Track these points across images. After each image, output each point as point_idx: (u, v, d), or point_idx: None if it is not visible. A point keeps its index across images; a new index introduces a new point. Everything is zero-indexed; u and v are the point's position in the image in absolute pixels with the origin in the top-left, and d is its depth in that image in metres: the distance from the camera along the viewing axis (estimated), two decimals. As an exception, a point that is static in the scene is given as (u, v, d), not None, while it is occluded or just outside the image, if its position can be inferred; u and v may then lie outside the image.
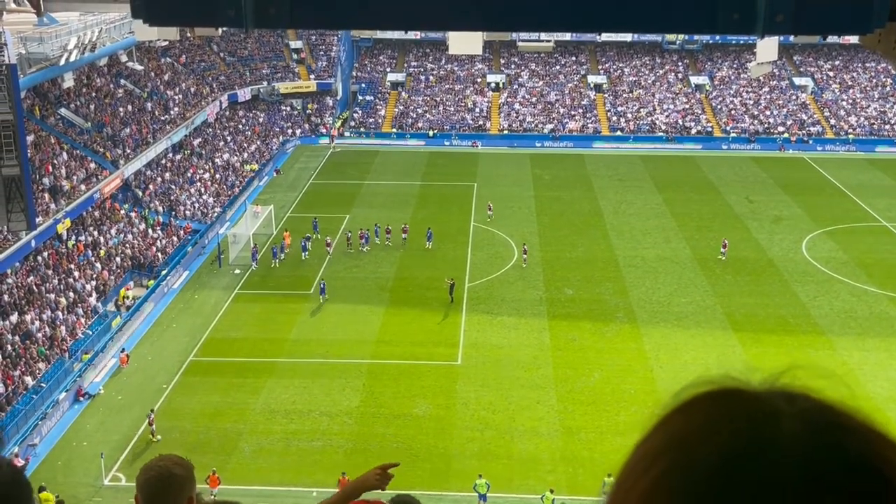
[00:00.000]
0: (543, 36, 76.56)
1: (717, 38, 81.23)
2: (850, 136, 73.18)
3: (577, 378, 35.99)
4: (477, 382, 35.68)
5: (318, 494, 28.70)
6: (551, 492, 27.69)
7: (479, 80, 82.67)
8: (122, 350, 38.48)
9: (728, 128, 75.02)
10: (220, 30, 63.13)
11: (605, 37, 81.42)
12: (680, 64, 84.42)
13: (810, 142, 72.89)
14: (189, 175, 59.46)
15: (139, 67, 63.58)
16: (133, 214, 51.27)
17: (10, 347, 36.18)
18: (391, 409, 33.82)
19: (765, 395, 0.88)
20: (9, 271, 39.70)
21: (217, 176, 61.39)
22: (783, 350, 37.91)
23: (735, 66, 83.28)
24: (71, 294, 41.73)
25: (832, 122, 75.40)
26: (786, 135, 73.71)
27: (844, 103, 77.68)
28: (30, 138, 45.25)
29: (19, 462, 30.89)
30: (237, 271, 46.97)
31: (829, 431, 0.84)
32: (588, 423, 32.83)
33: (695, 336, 39.43)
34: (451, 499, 29.05)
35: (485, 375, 36.17)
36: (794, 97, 78.80)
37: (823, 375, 0.91)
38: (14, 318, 37.84)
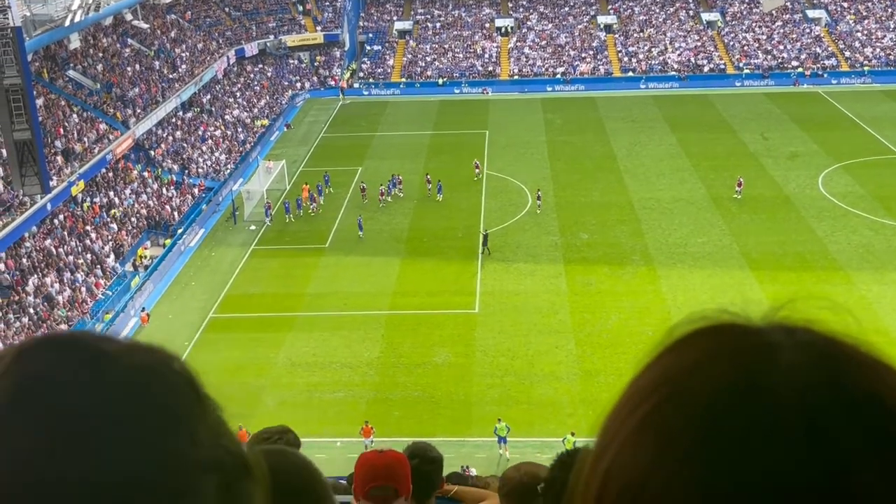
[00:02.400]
0: (551, -23, 75.34)
1: (729, -28, 79.72)
2: (866, 68, 71.99)
3: (595, 322, 36.09)
4: (495, 330, 35.85)
5: (342, 444, 29.12)
6: (572, 434, 27.87)
7: (487, 25, 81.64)
8: (143, 309, 38.85)
9: (741, 64, 73.93)
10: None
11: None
12: (691, 1, 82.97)
13: (825, 75, 71.79)
14: (200, 133, 59.35)
15: (144, 26, 63.13)
16: (146, 174, 51.34)
17: (32, 311, 36.58)
18: (411, 359, 34.09)
19: (763, 328, 0.85)
20: (26, 235, 39.97)
21: (228, 133, 61.25)
22: (801, 287, 37.79)
23: (747, 0, 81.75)
24: (89, 256, 42.02)
25: (847, 54, 74.14)
26: (800, 69, 72.59)
27: (859, 35, 76.25)
28: (39, 102, 45.20)
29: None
30: (252, 227, 47.10)
31: (829, 362, 0.80)
32: (607, 365, 33.00)
33: (712, 276, 39.35)
34: (472, 444, 29.39)
35: (503, 322, 36.32)
36: (807, 30, 77.42)
37: (828, 307, 0.87)
38: (34, 281, 38.20)
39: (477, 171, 52.37)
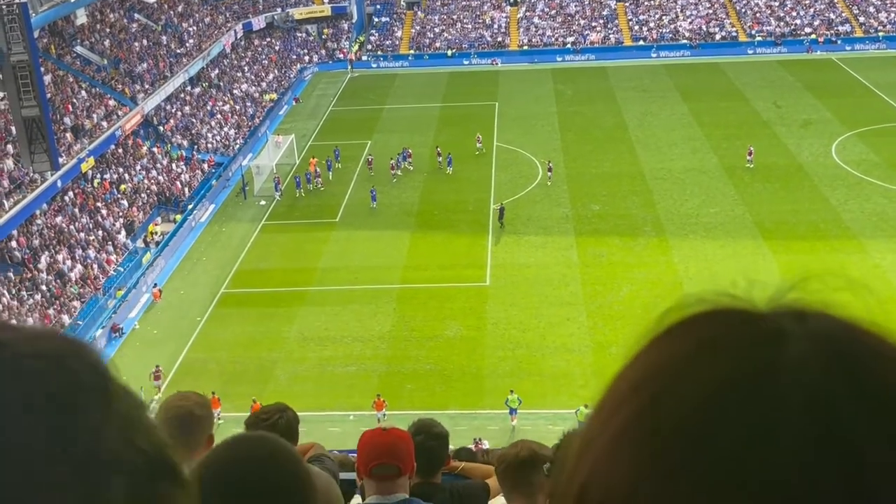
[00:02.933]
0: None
1: (741, -62, 78.54)
2: (881, 34, 71.03)
3: (607, 293, 35.99)
4: (506, 302, 35.81)
5: (355, 418, 29.23)
6: (585, 406, 27.80)
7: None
8: (155, 285, 38.96)
9: (753, 31, 73.09)
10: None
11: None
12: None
13: (839, 42, 70.90)
14: (209, 108, 59.21)
15: (151, 0, 62.81)
16: (156, 150, 51.31)
17: (44, 287, 36.74)
18: (423, 333, 34.11)
19: (769, 313, 0.72)
20: (37, 212, 40.06)
21: (237, 107, 61.09)
22: (814, 256, 37.58)
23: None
24: (100, 232, 42.12)
25: (861, 19, 73.16)
26: (813, 36, 71.70)
27: None
28: (47, 78, 45.11)
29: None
30: (262, 202, 47.08)
31: (846, 355, 0.68)
32: (618, 337, 32.91)
33: (724, 246, 39.14)
34: (484, 416, 29.46)
35: (514, 295, 36.27)
36: (821, -4, 76.40)
37: (844, 286, 0.73)
38: (46, 258, 38.33)
39: (479, 144, 51.69)
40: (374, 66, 72.69)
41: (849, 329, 0.70)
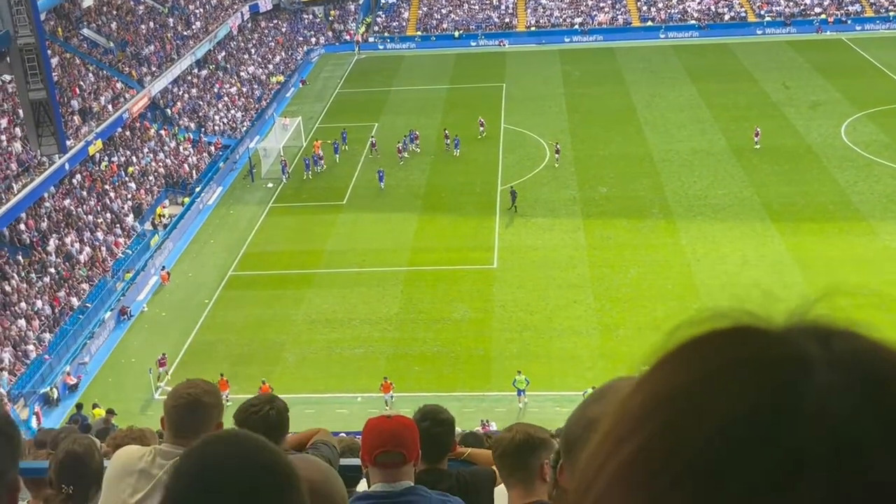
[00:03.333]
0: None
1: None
2: (892, 14, 70.39)
3: (614, 276, 35.96)
4: (514, 285, 35.82)
5: (363, 400, 29.36)
6: (593, 388, 27.77)
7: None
8: (163, 268, 39.08)
9: (762, 12, 72.53)
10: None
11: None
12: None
13: (849, 22, 70.30)
14: (216, 90, 59.15)
15: (157, -18, 62.62)
16: (163, 132, 51.31)
17: (53, 270, 36.88)
18: (430, 315, 34.16)
19: (790, 333, 0.64)
20: (45, 195, 40.15)
21: (244, 89, 61.00)
22: (823, 238, 37.46)
23: (769, -54, 79.88)
24: (108, 215, 42.21)
25: (872, -1, 72.53)
26: (823, 15, 71.09)
27: (885, -21, 74.47)
28: (54, 61, 45.08)
29: (71, 381, 31.86)
30: (269, 185, 47.09)
31: (876, 384, 0.60)
32: (626, 319, 32.93)
33: (732, 228, 39.03)
34: (492, 398, 29.55)
35: (521, 277, 36.27)
36: (831, -24, 75.70)
37: (873, 304, 0.67)
38: (54, 241, 38.45)
39: (482, 129, 51.23)
40: (380, 47, 72.42)
41: (876, 351, 0.63)
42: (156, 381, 31.25)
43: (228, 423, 3.77)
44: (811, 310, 0.66)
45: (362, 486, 4.18)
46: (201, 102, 56.78)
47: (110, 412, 22.33)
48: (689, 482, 0.59)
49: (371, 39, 73.48)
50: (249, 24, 70.33)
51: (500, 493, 3.87)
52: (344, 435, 10.88)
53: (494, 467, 4.25)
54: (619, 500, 0.62)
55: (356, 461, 4.40)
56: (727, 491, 0.57)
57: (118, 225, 42.01)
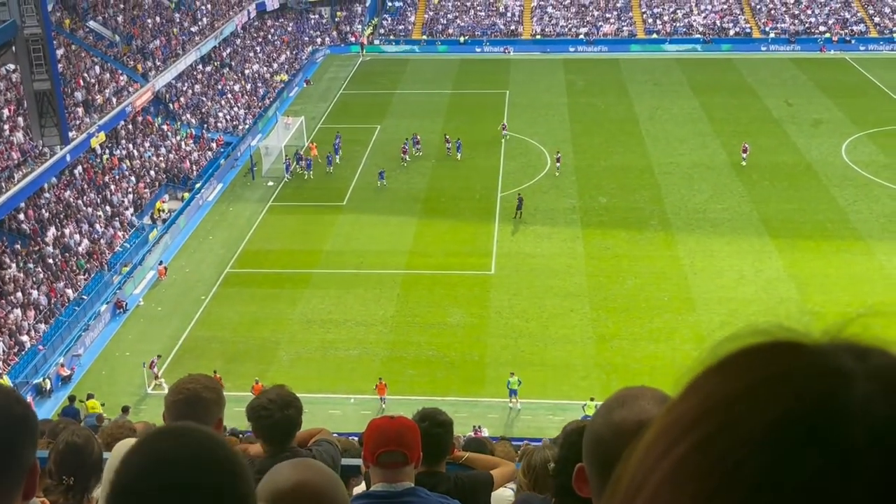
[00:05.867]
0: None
1: (758, -67, 78.00)
2: (895, 35, 70.71)
3: (611, 286, 36.00)
4: (510, 291, 35.85)
5: (356, 401, 29.36)
6: (592, 400, 27.57)
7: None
8: (160, 262, 39.06)
9: (767, 28, 72.75)
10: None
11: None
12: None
13: (853, 41, 70.53)
14: (219, 87, 59.19)
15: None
16: (165, 127, 51.33)
17: (51, 261, 36.86)
18: (426, 319, 34.18)
19: (828, 349, 0.68)
20: (45, 186, 40.13)
21: (247, 87, 61.04)
22: (819, 255, 37.55)
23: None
24: (108, 208, 42.20)
25: (876, 20, 72.75)
26: (827, 34, 71.34)
27: (889, 0, 74.75)
28: (60, 52, 45.10)
29: (65, 372, 31.83)
30: (270, 183, 47.10)
31: None
32: (621, 330, 32.97)
33: (730, 243, 39.11)
34: (485, 404, 29.56)
35: (518, 284, 36.30)
36: (837, -5, 75.94)
37: None
38: (53, 231, 38.44)
39: (504, 132, 51.81)
40: (385, 50, 72.53)
41: None
42: (149, 379, 31.21)
43: (230, 421, 3.80)
44: (846, 327, 0.70)
45: (361, 489, 4.21)
46: (204, 99, 56.81)
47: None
48: (741, 481, 0.62)
49: (376, 42, 73.59)
50: (256, 23, 70.40)
51: (498, 497, 3.90)
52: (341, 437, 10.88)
53: (493, 472, 4.28)
54: (679, 491, 0.65)
55: (352, 461, 4.43)
56: (778, 489, 0.61)
57: (117, 218, 42.00)
